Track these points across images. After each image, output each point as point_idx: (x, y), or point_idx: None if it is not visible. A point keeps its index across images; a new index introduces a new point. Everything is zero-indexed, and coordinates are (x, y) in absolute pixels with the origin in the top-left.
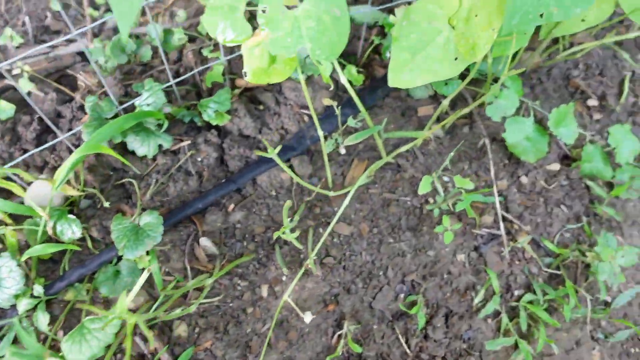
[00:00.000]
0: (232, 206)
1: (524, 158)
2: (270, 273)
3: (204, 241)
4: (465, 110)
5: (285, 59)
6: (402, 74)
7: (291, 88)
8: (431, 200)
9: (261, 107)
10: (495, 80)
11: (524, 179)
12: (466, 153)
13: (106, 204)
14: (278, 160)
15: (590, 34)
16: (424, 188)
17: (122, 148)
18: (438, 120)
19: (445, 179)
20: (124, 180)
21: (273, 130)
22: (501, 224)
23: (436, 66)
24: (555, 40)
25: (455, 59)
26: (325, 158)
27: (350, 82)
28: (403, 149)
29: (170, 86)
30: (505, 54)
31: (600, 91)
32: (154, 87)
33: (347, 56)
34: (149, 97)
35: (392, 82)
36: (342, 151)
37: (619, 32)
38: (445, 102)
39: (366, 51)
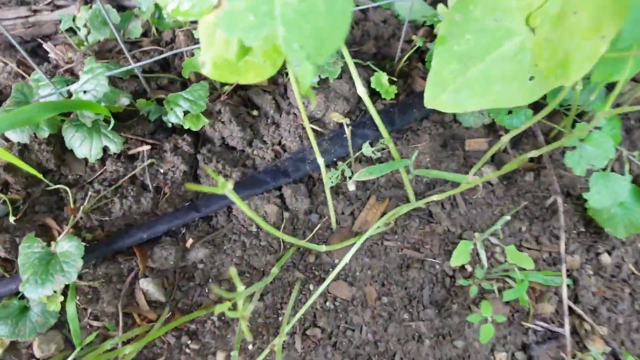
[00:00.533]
0: (191, 240)
1: (609, 229)
2: (233, 336)
3: (146, 283)
4: (534, 154)
5: (267, 48)
6: (446, 92)
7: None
8: (469, 268)
9: (255, 112)
10: (579, 115)
11: (606, 259)
12: (527, 209)
13: (11, 219)
14: (235, 198)
15: None
16: (458, 258)
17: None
18: (492, 160)
19: (493, 240)
20: (58, 186)
21: (268, 144)
22: (566, 319)
23: (499, 87)
24: None
25: (531, 78)
26: (328, 194)
27: (379, 93)
28: (439, 197)
29: (149, 71)
30: (609, 80)
31: None
32: (95, 68)
33: (381, 59)
34: (88, 82)
35: (428, 102)
36: (351, 188)
37: None
38: (506, 139)
39: (406, 55)
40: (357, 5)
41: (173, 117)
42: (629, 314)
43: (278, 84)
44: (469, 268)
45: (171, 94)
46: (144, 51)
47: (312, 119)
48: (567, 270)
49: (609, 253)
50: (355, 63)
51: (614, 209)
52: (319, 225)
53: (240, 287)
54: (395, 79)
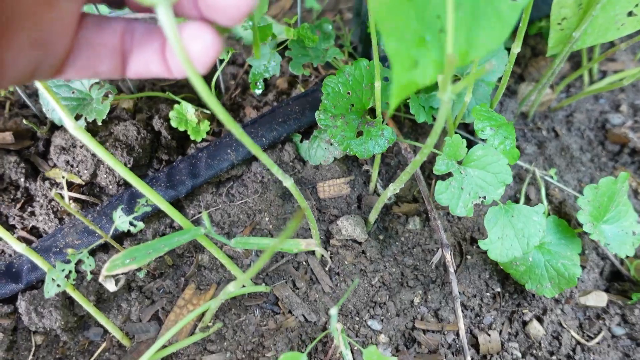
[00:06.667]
0: None
1: (531, 288)
2: None
3: None
4: (397, 184)
5: None
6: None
7: (61, 147)
8: None
9: None
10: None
11: (536, 328)
12: (418, 270)
13: None
14: None
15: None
16: None
17: None
18: (359, 207)
19: (374, 325)
20: None
21: (16, 229)
22: None
23: None
24: (577, 65)
25: None
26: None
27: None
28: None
29: None
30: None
31: None
32: None
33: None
34: None
35: None
36: (111, 287)
37: None
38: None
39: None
40: None
41: None
42: None
43: (37, 138)
44: None
45: None
46: None
47: (77, 185)
48: (485, 357)
49: (540, 319)
50: (149, 97)
51: (532, 255)
52: (102, 346)
53: None
54: (207, 111)
